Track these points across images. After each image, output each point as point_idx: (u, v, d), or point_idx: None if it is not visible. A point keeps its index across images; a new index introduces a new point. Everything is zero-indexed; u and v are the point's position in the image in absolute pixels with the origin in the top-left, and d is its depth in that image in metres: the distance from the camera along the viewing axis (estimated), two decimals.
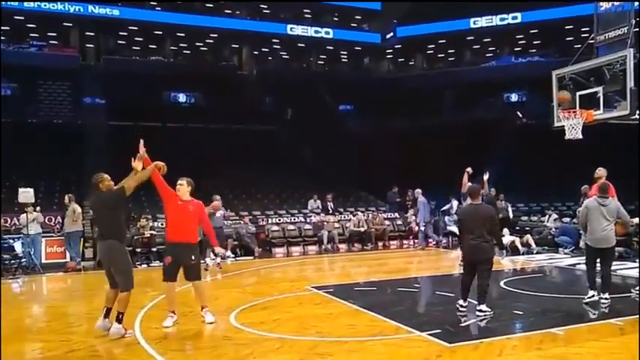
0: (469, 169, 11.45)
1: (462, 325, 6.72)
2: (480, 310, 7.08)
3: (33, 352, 5.99)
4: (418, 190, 17.21)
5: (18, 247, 13.87)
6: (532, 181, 23.65)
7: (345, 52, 42.80)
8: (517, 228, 17.26)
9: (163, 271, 6.97)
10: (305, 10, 40.29)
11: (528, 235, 14.96)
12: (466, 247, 7.46)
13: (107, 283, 6.50)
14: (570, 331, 6.18)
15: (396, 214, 19.93)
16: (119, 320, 6.28)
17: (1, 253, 12.82)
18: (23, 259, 13.09)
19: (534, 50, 39.24)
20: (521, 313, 7.30)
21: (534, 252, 14.25)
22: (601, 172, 8.87)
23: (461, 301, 7.30)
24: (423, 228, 16.88)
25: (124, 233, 6.59)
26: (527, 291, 8.81)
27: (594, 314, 7.16)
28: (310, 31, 39.13)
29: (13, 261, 13.27)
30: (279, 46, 40.55)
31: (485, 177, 12.77)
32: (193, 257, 6.88)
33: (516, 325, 6.86)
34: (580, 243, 10.14)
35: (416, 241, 17.87)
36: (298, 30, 38.79)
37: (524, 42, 39.42)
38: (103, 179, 6.50)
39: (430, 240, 17.34)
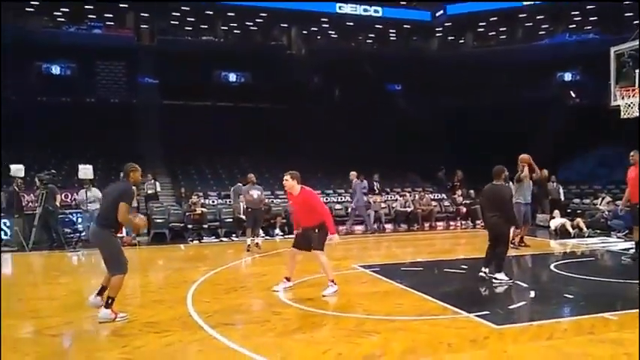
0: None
1: (511, 307, 6.68)
2: (496, 279, 7.88)
3: (92, 319, 6.22)
4: (353, 173, 16.40)
5: (78, 221, 14.56)
6: (585, 162, 22.93)
7: (394, 31, 42.19)
8: (568, 210, 16.84)
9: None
10: None
11: (579, 219, 14.59)
12: (487, 223, 8.41)
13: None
14: (624, 317, 6.02)
15: (444, 195, 19.75)
16: (108, 305, 6.15)
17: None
18: (83, 233, 13.71)
19: (590, 27, 37.65)
20: (571, 296, 7.16)
21: (585, 235, 13.91)
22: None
23: (483, 268, 8.13)
24: (354, 211, 16.30)
25: (118, 224, 6.40)
26: (578, 275, 8.61)
27: None
28: (359, 10, 38.70)
29: (73, 235, 13.94)
30: (327, 25, 40.36)
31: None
32: (316, 230, 7.38)
33: (567, 309, 6.75)
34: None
35: (463, 222, 17.69)
36: (347, 9, 38.41)
37: (579, 19, 37.84)
38: (135, 169, 6.63)
39: (367, 227, 16.41)
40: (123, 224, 6.45)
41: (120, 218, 6.17)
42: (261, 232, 13.45)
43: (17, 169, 13.57)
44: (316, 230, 7.38)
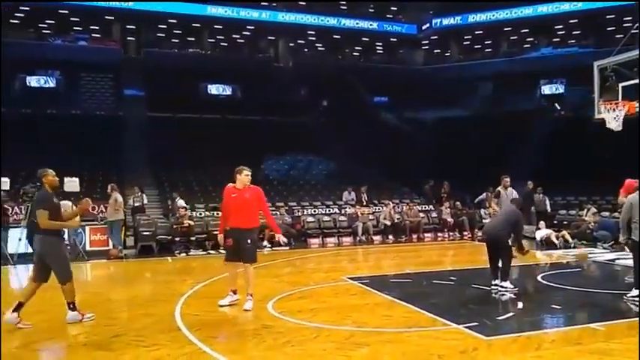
0: None
1: (500, 318, 6.71)
2: (502, 287, 8.16)
3: (78, 337, 6.18)
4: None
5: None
6: (570, 174, 23.16)
7: (381, 44, 42.54)
8: (555, 222, 16.99)
9: (225, 253, 7.65)
10: (341, 2, 40.16)
11: (564, 231, 14.74)
12: (489, 233, 8.79)
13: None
14: (610, 327, 6.09)
15: (431, 207, 19.83)
16: (72, 309, 6.63)
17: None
18: (69, 247, 13.54)
19: (573, 41, 38.23)
20: (559, 307, 7.22)
21: (572, 246, 14.03)
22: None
23: (493, 281, 8.40)
24: None
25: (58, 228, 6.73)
26: (565, 286, 8.68)
27: (636, 310, 7.02)
28: (346, 23, 38.99)
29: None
30: (314, 38, 40.57)
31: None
32: (249, 241, 7.32)
33: (554, 320, 6.81)
34: (620, 238, 9.85)
35: (451, 234, 17.72)
36: (334, 22, 38.69)
37: (563, 32, 38.42)
38: (46, 174, 6.68)
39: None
40: (50, 228, 6.47)
41: (41, 225, 6.42)
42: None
43: (2, 182, 13.40)
44: (249, 241, 7.35)
